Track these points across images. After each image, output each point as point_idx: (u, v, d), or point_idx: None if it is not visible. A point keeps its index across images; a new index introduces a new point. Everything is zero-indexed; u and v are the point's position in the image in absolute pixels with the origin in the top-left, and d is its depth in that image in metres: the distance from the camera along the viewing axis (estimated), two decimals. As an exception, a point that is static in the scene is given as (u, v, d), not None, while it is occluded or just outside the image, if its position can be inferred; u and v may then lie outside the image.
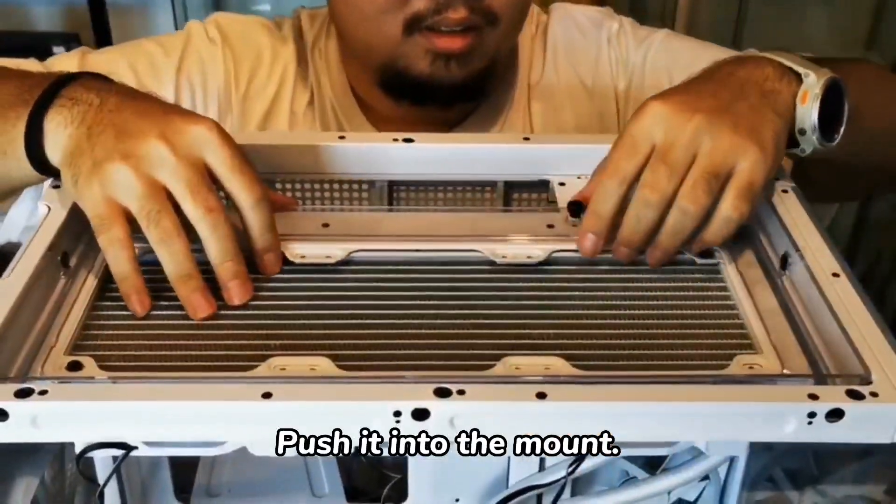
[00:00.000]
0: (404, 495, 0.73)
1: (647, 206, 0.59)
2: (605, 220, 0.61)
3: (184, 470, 0.74)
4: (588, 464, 0.58)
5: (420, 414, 0.48)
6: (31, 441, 0.49)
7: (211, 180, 0.59)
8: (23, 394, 0.48)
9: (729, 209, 0.59)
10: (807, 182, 0.67)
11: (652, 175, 0.59)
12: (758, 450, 0.69)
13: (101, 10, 1.75)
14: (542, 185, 0.71)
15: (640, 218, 0.60)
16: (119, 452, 0.53)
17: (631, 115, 0.62)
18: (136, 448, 0.53)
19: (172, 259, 0.57)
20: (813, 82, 0.64)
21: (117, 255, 0.57)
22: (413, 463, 0.71)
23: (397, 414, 0.48)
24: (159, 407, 0.48)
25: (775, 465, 0.72)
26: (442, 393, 0.48)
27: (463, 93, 0.84)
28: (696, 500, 0.74)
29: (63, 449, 0.60)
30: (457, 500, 0.67)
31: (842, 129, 0.65)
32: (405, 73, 0.81)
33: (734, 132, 0.59)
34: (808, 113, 0.63)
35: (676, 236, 0.60)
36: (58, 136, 0.60)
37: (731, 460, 0.70)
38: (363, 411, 0.48)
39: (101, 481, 0.59)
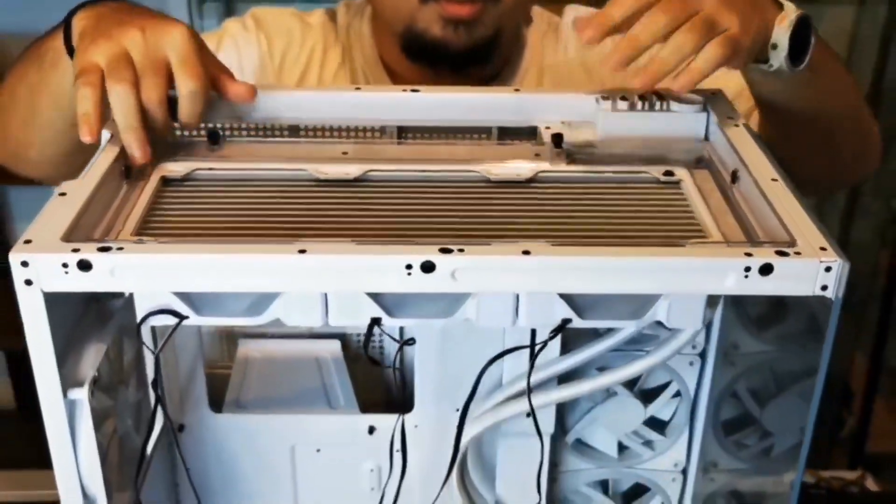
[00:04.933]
0: (410, 406, 0.83)
1: (655, 21, 0.73)
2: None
3: (217, 386, 0.84)
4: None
5: (427, 267, 0.58)
6: (109, 290, 0.60)
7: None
8: (104, 249, 0.58)
9: (716, 45, 0.73)
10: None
11: (667, 3, 0.73)
12: (721, 364, 0.79)
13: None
14: (532, 133, 0.81)
15: (648, 26, 0.73)
16: (173, 321, 0.64)
17: None
18: (187, 318, 0.64)
19: (121, 106, 0.70)
20: (792, 9, 0.79)
21: (85, 93, 0.70)
22: (419, 375, 0.81)
23: (409, 266, 0.58)
24: (214, 258, 0.58)
25: (738, 381, 0.81)
26: (446, 251, 0.59)
27: (471, 58, 0.99)
28: (671, 418, 0.83)
29: (121, 334, 0.70)
30: (457, 410, 0.77)
31: (807, 58, 0.80)
32: (422, 36, 0.97)
33: (740, 9, 0.75)
34: (784, 31, 0.78)
35: (675, 54, 0.73)
36: (78, 24, 0.78)
37: (700, 375, 0.81)
38: (381, 264, 0.59)
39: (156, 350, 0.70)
